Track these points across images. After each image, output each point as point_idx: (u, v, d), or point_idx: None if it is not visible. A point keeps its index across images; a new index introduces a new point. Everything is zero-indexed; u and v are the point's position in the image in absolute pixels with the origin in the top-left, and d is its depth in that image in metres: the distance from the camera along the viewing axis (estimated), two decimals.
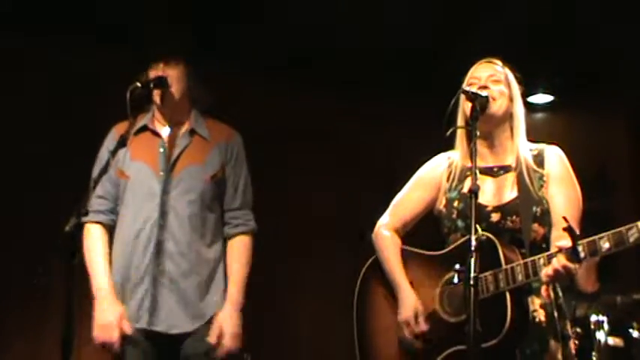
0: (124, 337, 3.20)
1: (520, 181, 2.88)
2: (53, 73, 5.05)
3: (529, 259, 2.69)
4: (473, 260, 2.47)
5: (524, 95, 3.04)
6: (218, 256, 3.38)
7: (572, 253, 2.55)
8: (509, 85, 2.99)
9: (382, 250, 3.13)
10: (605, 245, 2.52)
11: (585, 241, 2.55)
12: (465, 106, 2.91)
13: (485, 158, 2.96)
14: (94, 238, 3.32)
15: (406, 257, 3.09)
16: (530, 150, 2.97)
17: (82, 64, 5.06)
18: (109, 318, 3.19)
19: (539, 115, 6.30)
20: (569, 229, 2.51)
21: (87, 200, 2.83)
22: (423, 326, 2.90)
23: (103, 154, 3.35)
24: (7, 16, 4.71)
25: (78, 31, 4.89)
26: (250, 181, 3.50)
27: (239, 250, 3.41)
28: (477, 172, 2.64)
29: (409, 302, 2.95)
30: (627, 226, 2.49)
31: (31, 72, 5.02)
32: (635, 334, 4.66)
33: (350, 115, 5.91)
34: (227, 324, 3.27)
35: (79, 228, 2.81)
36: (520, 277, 2.68)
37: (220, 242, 3.41)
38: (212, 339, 3.24)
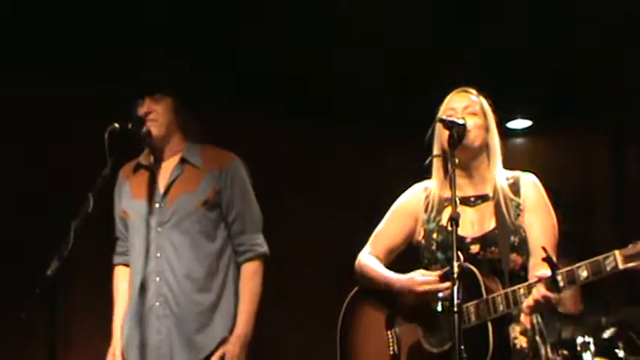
0: None
1: (497, 211, 2.91)
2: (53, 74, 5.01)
3: (509, 289, 2.71)
4: (456, 287, 2.50)
5: (499, 123, 3.05)
6: (220, 286, 3.30)
7: (551, 283, 2.58)
8: (484, 115, 3.00)
9: (365, 266, 3.10)
10: (584, 274, 2.55)
11: (564, 270, 2.58)
12: (442, 135, 2.93)
13: (463, 188, 2.96)
14: (116, 279, 3.49)
15: None
16: (507, 178, 2.99)
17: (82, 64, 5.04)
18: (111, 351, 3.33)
19: (519, 140, 6.33)
20: (547, 260, 2.55)
21: (68, 244, 2.82)
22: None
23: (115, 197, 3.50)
24: (7, 18, 4.65)
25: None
26: (255, 204, 3.42)
27: (246, 277, 3.32)
28: (457, 199, 2.68)
29: (403, 277, 2.93)
30: (604, 255, 2.52)
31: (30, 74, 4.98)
32: (621, 354, 4.69)
33: (347, 144, 5.92)
34: (227, 356, 3.21)
35: (60, 272, 2.80)
36: (501, 308, 2.70)
37: (225, 270, 3.32)
38: None
